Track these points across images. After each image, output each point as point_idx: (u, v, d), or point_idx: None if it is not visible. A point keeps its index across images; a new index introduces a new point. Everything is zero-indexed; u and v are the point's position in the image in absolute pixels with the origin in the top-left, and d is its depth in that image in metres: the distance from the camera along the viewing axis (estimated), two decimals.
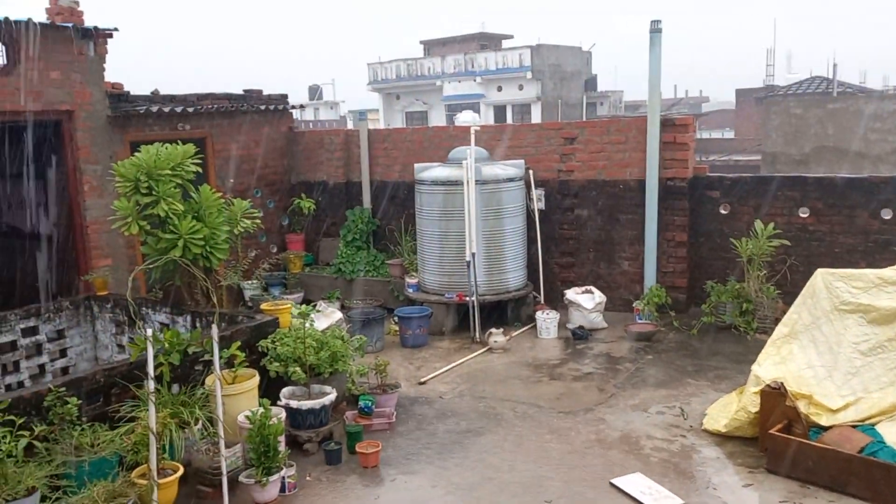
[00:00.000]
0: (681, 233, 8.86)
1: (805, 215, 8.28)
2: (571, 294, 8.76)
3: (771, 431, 5.16)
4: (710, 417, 5.90)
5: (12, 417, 4.49)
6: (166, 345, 5.21)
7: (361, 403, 6.12)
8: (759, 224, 8.17)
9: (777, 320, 6.55)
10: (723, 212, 8.74)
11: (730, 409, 5.75)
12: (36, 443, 4.61)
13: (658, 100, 8.77)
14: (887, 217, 7.84)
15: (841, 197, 8.08)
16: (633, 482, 5.06)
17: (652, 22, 8.60)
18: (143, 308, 6.96)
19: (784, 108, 21.17)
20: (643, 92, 9.23)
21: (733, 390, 6.26)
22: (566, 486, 5.10)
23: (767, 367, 5.64)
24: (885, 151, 19.11)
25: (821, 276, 5.71)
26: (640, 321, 8.56)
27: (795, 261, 8.23)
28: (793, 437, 5.06)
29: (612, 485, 5.05)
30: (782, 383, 5.29)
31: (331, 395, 5.85)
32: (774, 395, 5.29)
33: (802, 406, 5.25)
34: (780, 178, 8.83)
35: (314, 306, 6.97)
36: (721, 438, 5.68)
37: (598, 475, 5.21)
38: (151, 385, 4.18)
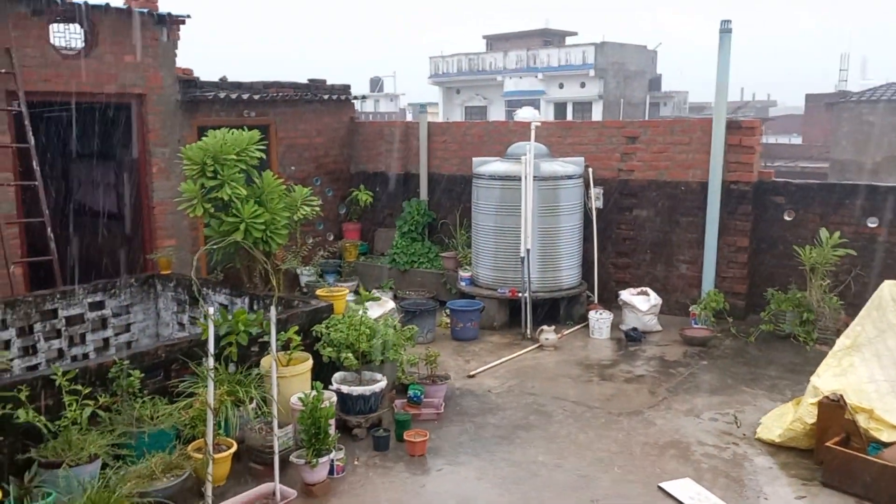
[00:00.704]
0: (742, 238, 8.67)
1: (874, 225, 8.01)
2: (626, 295, 8.66)
3: (828, 444, 5.03)
4: (764, 426, 5.77)
5: (78, 387, 4.68)
6: (237, 325, 5.35)
7: (411, 392, 6.19)
8: (824, 232, 7.95)
9: (839, 332, 6.38)
10: (787, 218, 8.53)
11: (785, 419, 5.62)
12: (99, 412, 4.80)
13: (725, 101, 8.59)
14: None
15: None
16: (682, 487, 4.99)
17: (722, 22, 8.43)
18: (204, 288, 7.16)
19: (856, 115, 20.48)
20: (708, 94, 9.09)
21: (790, 400, 6.11)
22: (613, 486, 5.06)
23: (827, 378, 5.49)
24: None
25: (888, 287, 5.53)
26: (695, 326, 8.42)
27: (861, 271, 7.98)
28: (851, 451, 4.93)
29: (661, 488, 5.00)
30: (842, 395, 5.15)
31: (381, 383, 5.93)
32: (833, 408, 5.16)
33: (862, 420, 5.10)
34: (848, 185, 8.57)
35: (371, 292, 7.06)
36: (774, 448, 5.56)
37: (647, 478, 5.16)
38: (212, 362, 4.31)
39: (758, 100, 50.71)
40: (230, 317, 5.45)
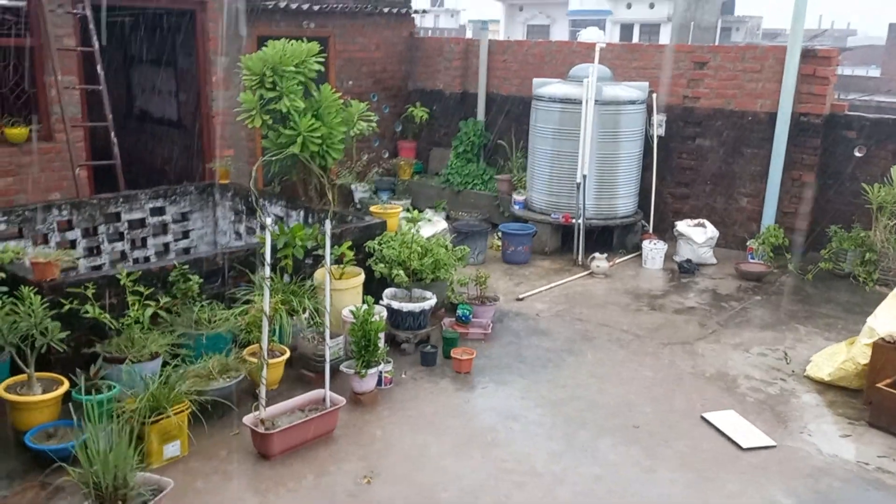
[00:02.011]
0: (808, 172, 8.37)
1: None
2: (682, 226, 8.51)
3: (878, 385, 4.96)
4: (814, 364, 5.71)
5: (140, 288, 4.87)
6: (294, 239, 5.45)
7: (459, 312, 6.27)
8: (895, 170, 7.61)
9: None
10: (857, 154, 8.17)
11: (837, 358, 5.54)
12: (161, 312, 5.00)
13: (801, 28, 8.15)
14: None
15: None
16: (726, 418, 5.01)
17: None
18: (261, 199, 7.28)
19: None
20: (784, 20, 8.64)
21: (843, 340, 6.01)
22: (656, 414, 5.11)
23: (884, 320, 5.36)
24: None
25: None
26: (752, 260, 8.25)
27: None
28: None
29: (704, 419, 5.03)
30: None
31: (431, 301, 6.02)
32: (888, 349, 5.06)
33: None
34: None
35: (422, 213, 7.09)
36: (823, 387, 5.51)
37: (690, 408, 5.19)
38: (268, 271, 4.42)
39: (837, 28, 47.91)
40: (287, 229, 5.55)
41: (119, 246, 6.99)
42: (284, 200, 7.14)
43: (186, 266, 5.23)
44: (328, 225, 4.74)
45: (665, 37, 34.32)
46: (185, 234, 7.64)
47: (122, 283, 4.83)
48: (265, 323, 4.48)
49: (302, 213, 6.92)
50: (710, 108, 8.88)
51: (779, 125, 8.29)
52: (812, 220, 8.49)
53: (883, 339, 5.13)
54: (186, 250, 7.54)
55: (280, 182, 7.37)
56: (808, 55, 8.19)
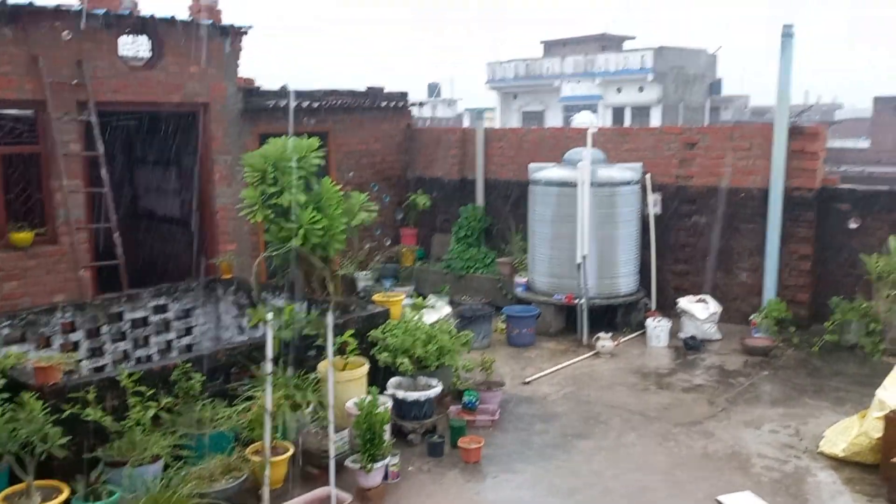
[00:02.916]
0: (805, 245, 8.43)
1: None
2: (685, 303, 8.51)
3: (894, 460, 4.85)
4: (827, 440, 5.60)
5: (142, 388, 4.85)
6: (284, 319, 5.45)
7: (466, 399, 6.20)
8: (892, 240, 7.66)
9: None
10: (852, 225, 8.24)
11: (850, 432, 5.43)
12: (162, 413, 4.95)
13: (787, 107, 8.37)
14: None
15: None
16: (742, 500, 4.88)
17: (784, 26, 8.22)
18: (263, 293, 7.31)
19: None
20: (771, 97, 8.84)
21: (855, 413, 5.90)
22: (671, 498, 4.98)
23: (894, 391, 5.29)
24: None
25: None
26: (756, 335, 8.21)
27: None
28: None
29: (719, 502, 4.90)
30: None
31: (436, 388, 5.97)
32: None
33: None
34: None
35: (426, 299, 7.11)
36: (838, 463, 5.39)
37: (705, 490, 5.06)
38: (269, 366, 4.41)
39: (823, 102, 49.07)
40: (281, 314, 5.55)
41: (122, 346, 6.99)
42: (287, 293, 7.17)
43: (189, 364, 5.21)
44: (330, 315, 4.76)
45: (656, 118, 35.17)
46: (188, 331, 7.64)
47: (123, 384, 4.81)
48: (267, 420, 4.44)
49: (305, 304, 6.93)
50: (703, 186, 9.03)
51: (772, 200, 8.40)
52: (813, 292, 8.49)
53: (894, 411, 5.05)
54: (189, 347, 7.53)
55: (283, 274, 7.43)
56: (795, 132, 8.38)
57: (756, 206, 8.66)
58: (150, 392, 4.88)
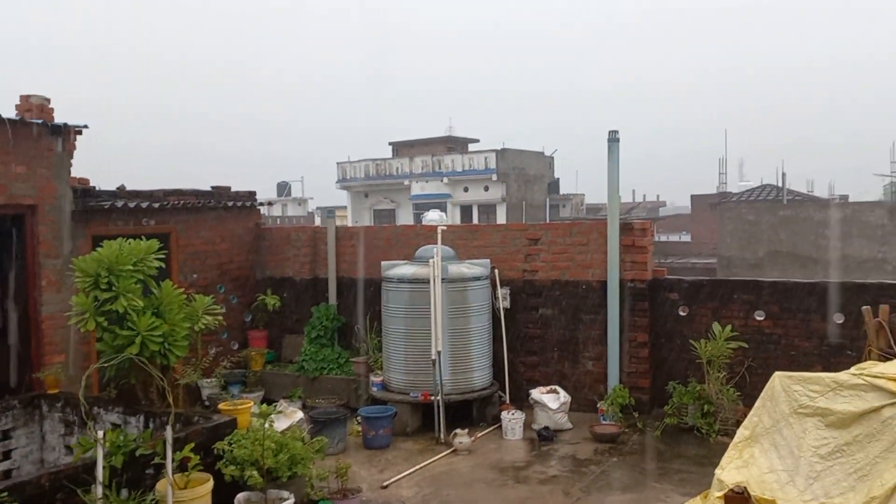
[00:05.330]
0: (642, 333, 8.96)
1: (761, 318, 8.45)
2: (536, 394, 8.71)
3: None
4: None
5: None
6: (107, 445, 5.02)
7: None
8: (716, 326, 8.32)
9: (738, 422, 6.56)
10: (682, 313, 8.89)
11: None
12: None
13: (617, 205, 9.06)
14: (840, 321, 8.04)
15: (795, 301, 8.30)
16: None
17: (610, 132, 8.99)
18: (95, 407, 6.72)
19: (737, 215, 21.96)
20: (603, 196, 9.55)
21: (698, 494, 6.18)
22: None
23: (730, 470, 5.61)
24: (834, 257, 19.80)
25: (778, 379, 5.78)
26: (604, 422, 8.51)
27: (753, 363, 8.34)
28: None
29: None
30: (745, 488, 5.26)
31: (288, 501, 5.65)
32: (738, 500, 5.25)
33: None
34: (735, 281, 9.07)
35: (275, 406, 6.83)
36: None
37: None
38: (100, 490, 4.01)
39: (648, 200, 53.69)
40: (122, 437, 5.13)
41: None
42: (122, 406, 6.64)
43: (5, 493, 4.64)
44: (169, 430, 4.43)
45: (501, 215, 36.92)
46: (7, 455, 6.85)
47: None
48: None
49: (142, 418, 6.44)
50: (547, 279, 9.46)
51: (610, 292, 8.93)
52: (653, 377, 8.99)
53: (732, 489, 5.34)
54: (7, 473, 6.72)
55: (117, 386, 6.89)
56: (626, 228, 9.04)
57: (597, 298, 9.15)
58: None
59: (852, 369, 5.63)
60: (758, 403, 5.87)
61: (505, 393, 9.32)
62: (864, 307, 7.04)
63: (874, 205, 22.64)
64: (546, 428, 8.35)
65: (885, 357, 6.35)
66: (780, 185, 29.92)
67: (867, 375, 5.39)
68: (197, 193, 10.49)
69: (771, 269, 19.81)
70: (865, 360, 6.30)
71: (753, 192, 31.43)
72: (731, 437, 6.09)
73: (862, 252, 19.65)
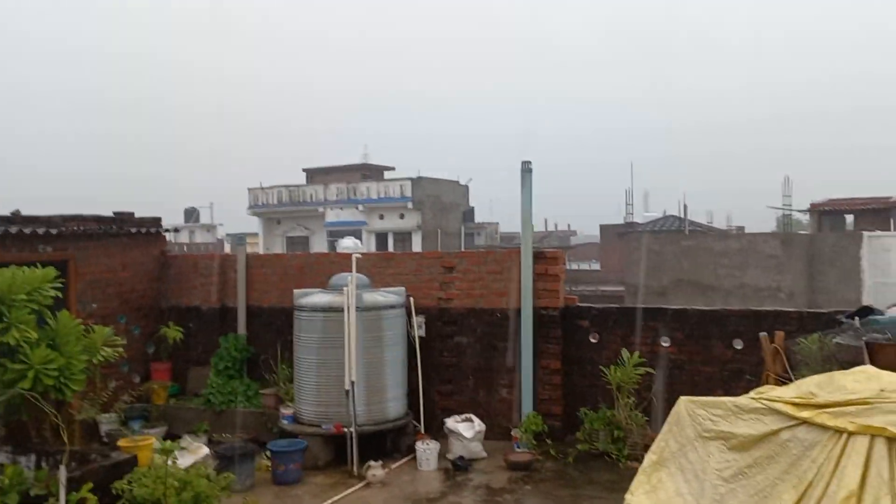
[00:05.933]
0: (555, 360, 9.09)
1: (666, 344, 8.73)
2: (451, 423, 8.68)
3: None
4: None
5: None
6: (6, 482, 4.68)
7: None
8: (625, 352, 8.53)
9: (647, 447, 6.69)
10: (592, 340, 9.09)
11: None
12: None
13: (530, 234, 9.21)
14: (739, 347, 8.39)
15: (697, 327, 8.63)
16: None
17: (523, 163, 9.16)
18: None
19: (642, 244, 22.79)
20: (517, 225, 9.71)
21: None
22: None
23: (640, 495, 5.71)
24: (733, 285, 20.77)
25: (683, 403, 5.95)
26: (518, 449, 8.55)
27: (660, 388, 8.59)
28: None
29: None
30: None
31: None
32: None
33: None
34: (641, 309, 9.34)
35: (178, 441, 6.53)
36: None
37: None
38: None
39: (560, 229, 55.09)
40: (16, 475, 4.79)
41: None
42: (11, 445, 6.20)
43: None
44: (63, 469, 4.17)
45: (417, 244, 37.03)
46: None
47: None
48: None
49: (34, 457, 6.03)
50: (463, 307, 9.49)
51: (524, 319, 9.04)
52: (565, 403, 9.11)
53: None
54: None
55: (6, 423, 6.44)
56: (538, 256, 9.20)
57: (510, 325, 9.24)
58: None
59: (752, 393, 5.85)
60: (664, 428, 6.01)
61: (420, 423, 9.24)
62: (762, 334, 7.39)
63: (768, 235, 23.93)
64: (461, 457, 8.32)
65: (781, 381, 6.66)
66: (682, 216, 31.26)
67: (766, 399, 5.62)
68: (98, 219, 10.04)
69: (675, 297, 20.57)
70: (764, 385, 6.58)
71: (657, 222, 32.76)
72: (641, 462, 6.22)
73: (758, 281, 20.69)
